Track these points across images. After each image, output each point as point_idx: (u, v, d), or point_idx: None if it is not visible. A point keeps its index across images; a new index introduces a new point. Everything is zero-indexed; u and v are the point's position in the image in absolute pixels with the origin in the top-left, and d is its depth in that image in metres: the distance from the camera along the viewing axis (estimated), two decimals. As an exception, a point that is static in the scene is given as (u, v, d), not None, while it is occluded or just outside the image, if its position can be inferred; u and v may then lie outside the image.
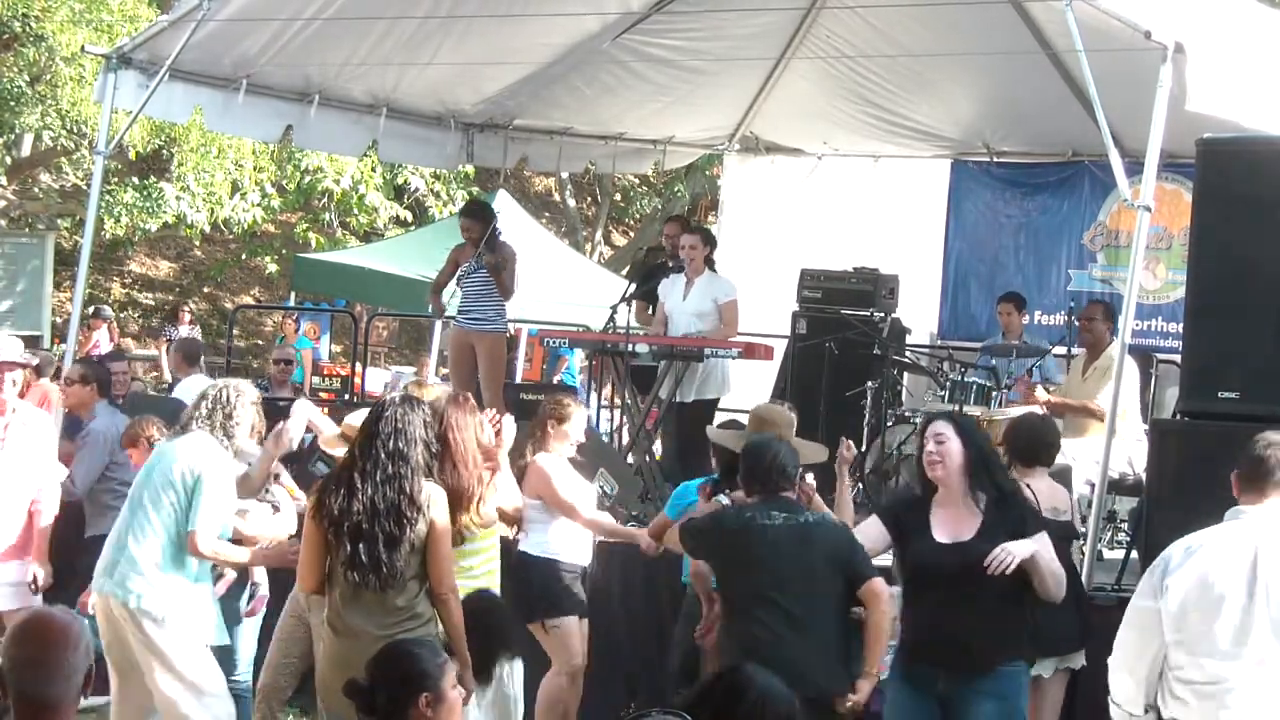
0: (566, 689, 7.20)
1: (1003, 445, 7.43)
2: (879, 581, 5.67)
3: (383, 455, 5.49)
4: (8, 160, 19.50)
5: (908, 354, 10.58)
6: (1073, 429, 9.23)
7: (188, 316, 18.61)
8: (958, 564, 5.54)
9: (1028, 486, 6.75)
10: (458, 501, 5.97)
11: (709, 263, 10.18)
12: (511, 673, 5.58)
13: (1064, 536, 6.80)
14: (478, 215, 10.49)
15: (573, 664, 7.22)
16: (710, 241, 10.34)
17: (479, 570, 6.43)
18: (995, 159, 12.54)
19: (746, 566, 5.68)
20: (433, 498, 5.56)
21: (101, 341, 17.33)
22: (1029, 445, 6.96)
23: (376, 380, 16.64)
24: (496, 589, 6.47)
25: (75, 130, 18.33)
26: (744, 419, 7.65)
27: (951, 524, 5.67)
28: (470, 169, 18.30)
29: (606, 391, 11.79)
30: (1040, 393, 9.30)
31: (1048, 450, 7.00)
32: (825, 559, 5.66)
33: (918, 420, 9.45)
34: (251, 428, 6.51)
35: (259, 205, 20.20)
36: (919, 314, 11.79)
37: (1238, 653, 4.39)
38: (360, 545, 5.43)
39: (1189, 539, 4.63)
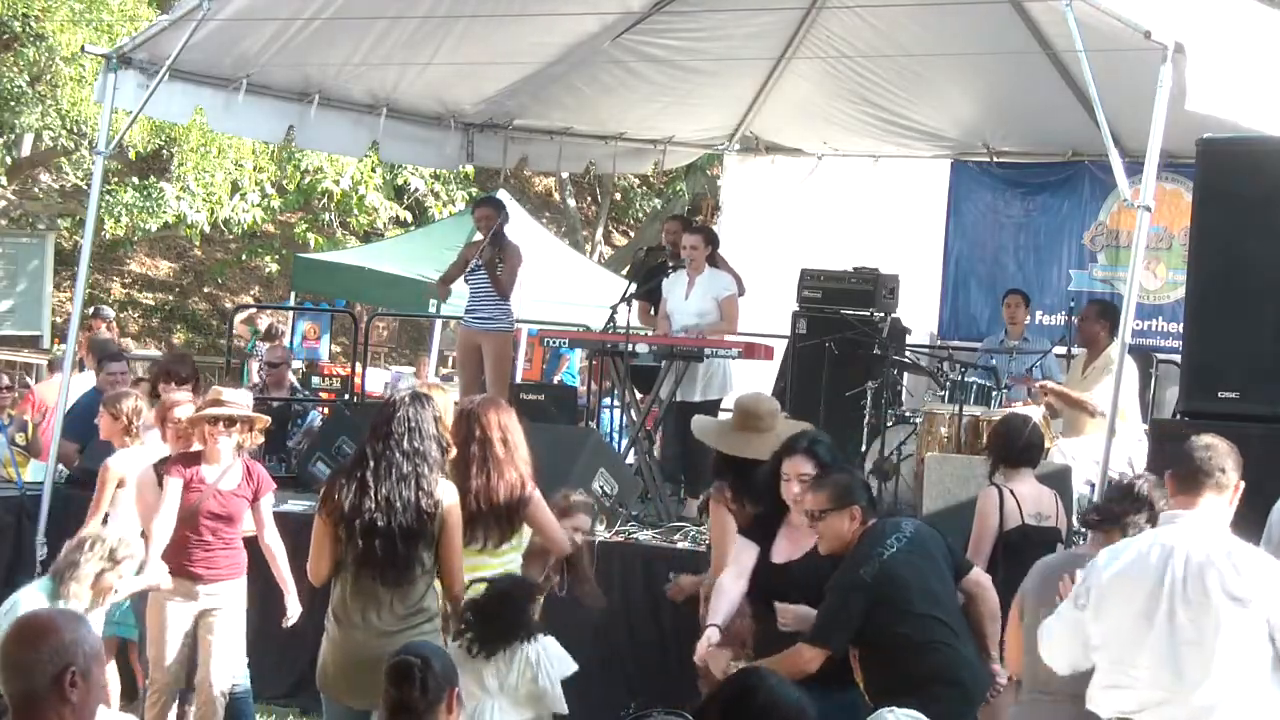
0: None
1: (988, 447, 7.42)
2: (979, 569, 5.64)
3: (398, 454, 5.53)
4: (8, 160, 19.49)
5: (908, 354, 10.58)
6: (1071, 428, 9.24)
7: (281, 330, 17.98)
8: (784, 584, 5.55)
9: (1011, 492, 6.73)
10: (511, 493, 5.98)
11: (712, 261, 10.18)
12: (539, 660, 5.52)
13: (1045, 543, 6.78)
14: (496, 204, 10.64)
15: None
16: (712, 240, 10.35)
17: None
18: (995, 159, 12.54)
19: (903, 602, 5.31)
20: (446, 494, 5.61)
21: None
22: (1011, 447, 6.93)
23: (376, 380, 16.63)
24: None
25: (75, 130, 18.33)
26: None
27: (790, 543, 5.67)
28: (470, 169, 18.30)
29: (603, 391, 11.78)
30: (1047, 382, 9.32)
31: (1031, 452, 6.96)
32: (945, 560, 5.50)
33: (918, 420, 9.47)
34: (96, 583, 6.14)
35: (259, 205, 20.21)
36: (919, 314, 11.79)
37: (1158, 663, 4.34)
38: (376, 542, 5.47)
39: (1116, 545, 4.61)
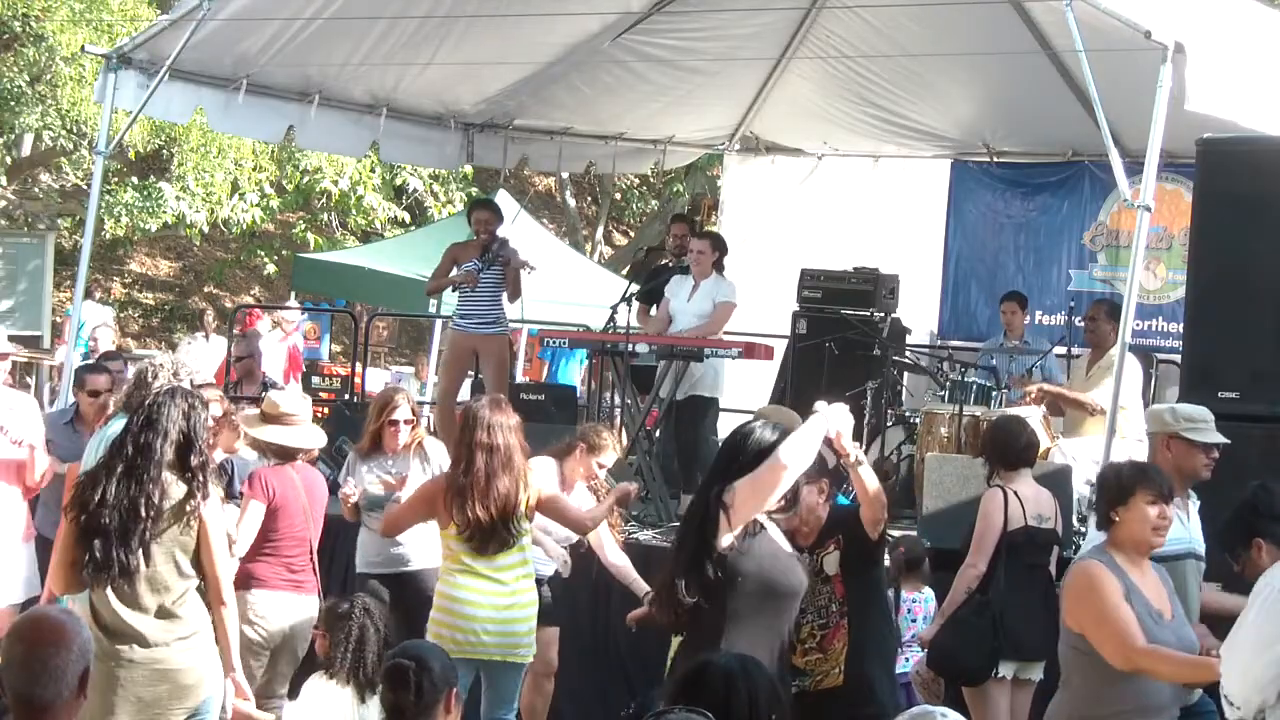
0: (532, 690, 7.18)
1: (982, 451, 7.39)
2: None
3: (130, 449, 5.26)
4: (8, 160, 19.50)
5: (908, 354, 10.58)
6: (1072, 428, 9.23)
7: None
8: None
9: (1015, 493, 6.70)
10: (505, 504, 6.00)
11: (718, 267, 10.16)
12: None
13: (1045, 544, 6.76)
14: (496, 209, 10.47)
15: (549, 668, 7.24)
16: (720, 247, 10.24)
17: (509, 577, 6.21)
18: (995, 159, 12.55)
19: None
20: (192, 495, 5.30)
21: (103, 341, 17.28)
22: (1005, 448, 6.88)
23: (376, 380, 16.61)
24: (532, 599, 6.30)
25: (75, 130, 18.33)
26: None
27: None
28: (469, 169, 18.30)
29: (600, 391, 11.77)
30: (1045, 385, 9.31)
31: (1025, 451, 6.91)
32: None
33: (918, 420, 9.46)
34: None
35: (258, 205, 20.21)
36: (919, 314, 11.79)
37: None
38: (96, 541, 5.21)
39: None
